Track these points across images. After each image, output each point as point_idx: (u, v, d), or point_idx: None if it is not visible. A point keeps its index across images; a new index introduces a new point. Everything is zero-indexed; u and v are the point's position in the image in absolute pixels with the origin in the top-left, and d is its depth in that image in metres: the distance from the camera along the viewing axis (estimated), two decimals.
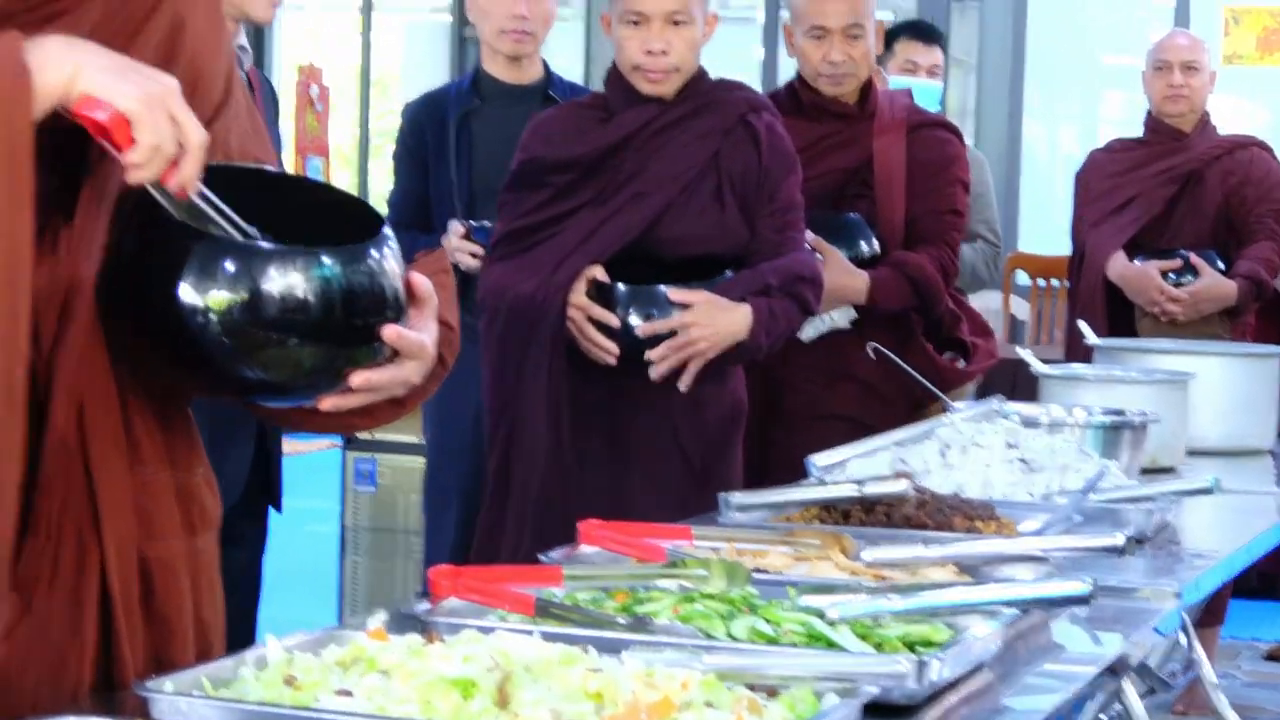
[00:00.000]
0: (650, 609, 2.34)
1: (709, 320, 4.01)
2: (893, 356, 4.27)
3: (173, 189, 2.05)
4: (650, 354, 4.01)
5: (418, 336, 2.24)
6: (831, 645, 2.22)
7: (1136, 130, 6.43)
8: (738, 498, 3.15)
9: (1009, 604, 2.39)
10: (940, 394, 4.07)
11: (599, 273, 4.08)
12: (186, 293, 2.09)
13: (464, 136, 5.17)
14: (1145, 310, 5.97)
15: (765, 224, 4.19)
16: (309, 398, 2.23)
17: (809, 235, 4.42)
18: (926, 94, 6.40)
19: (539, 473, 4.09)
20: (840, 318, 4.66)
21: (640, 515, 3.15)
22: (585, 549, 2.77)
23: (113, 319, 2.14)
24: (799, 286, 4.15)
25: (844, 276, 4.58)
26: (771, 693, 1.99)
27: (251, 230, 2.17)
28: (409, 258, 2.28)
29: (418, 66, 14.94)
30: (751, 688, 2.00)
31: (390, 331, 2.19)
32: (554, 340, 4.06)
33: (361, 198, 2.40)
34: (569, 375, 4.10)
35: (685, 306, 4.03)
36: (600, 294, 4.06)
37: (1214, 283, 5.91)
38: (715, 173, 4.18)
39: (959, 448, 3.48)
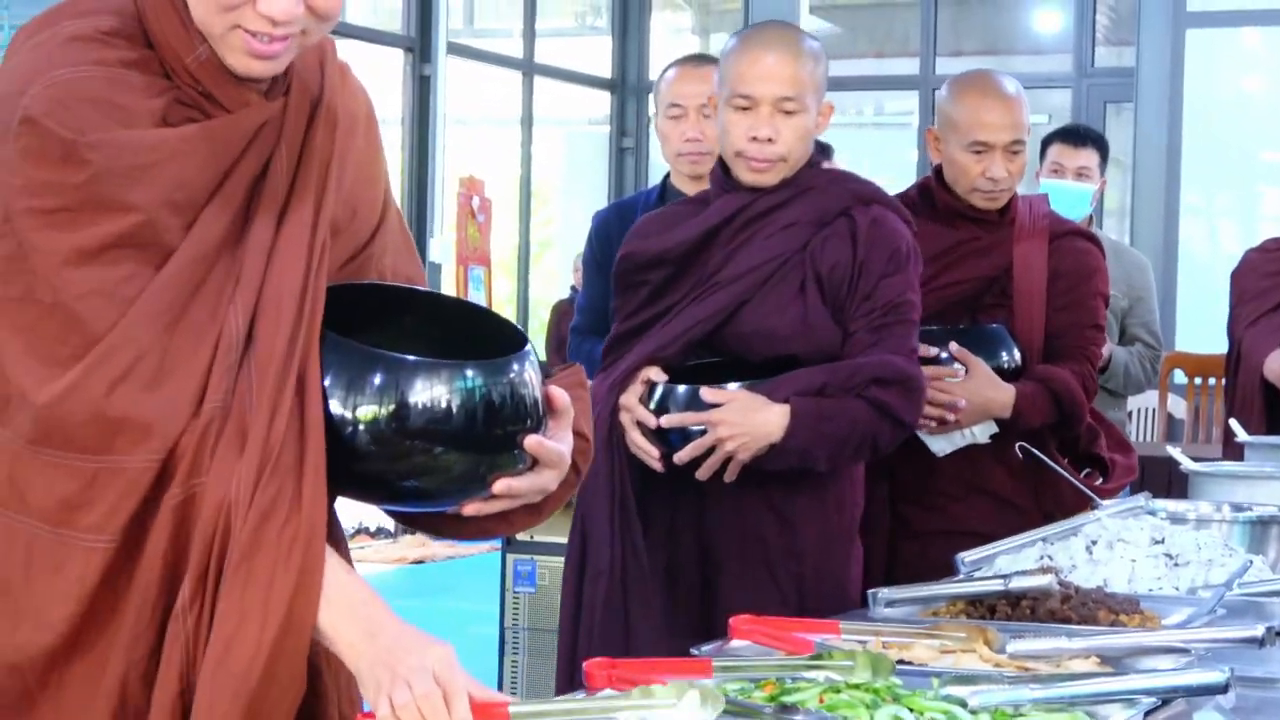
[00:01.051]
0: (797, 699, 2.43)
1: (738, 419, 3.72)
2: (1043, 458, 4.26)
3: None
4: (678, 456, 3.77)
5: (556, 446, 2.38)
6: None
7: None
8: (885, 593, 3.23)
9: (1147, 693, 2.46)
10: (1091, 493, 4.10)
11: (654, 372, 3.85)
12: (335, 404, 2.24)
13: None
14: None
15: (860, 323, 3.86)
16: (453, 503, 2.36)
17: (953, 346, 4.28)
18: (1070, 195, 6.46)
19: (604, 582, 3.84)
20: (981, 433, 4.40)
21: (720, 631, 2.98)
22: (736, 643, 2.87)
23: None
24: (873, 389, 3.78)
25: (990, 389, 4.36)
26: None
27: None
28: (589, 365, 2.45)
29: (577, 176, 15.18)
30: None
31: (532, 441, 2.33)
32: (610, 443, 3.82)
33: (504, 316, 2.50)
34: (634, 479, 3.86)
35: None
36: (653, 396, 3.83)
37: None
38: (803, 266, 3.88)
39: (1105, 543, 3.53)
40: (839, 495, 3.95)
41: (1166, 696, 2.52)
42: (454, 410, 2.24)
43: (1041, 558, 3.52)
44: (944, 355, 4.33)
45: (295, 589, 2.18)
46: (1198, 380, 8.95)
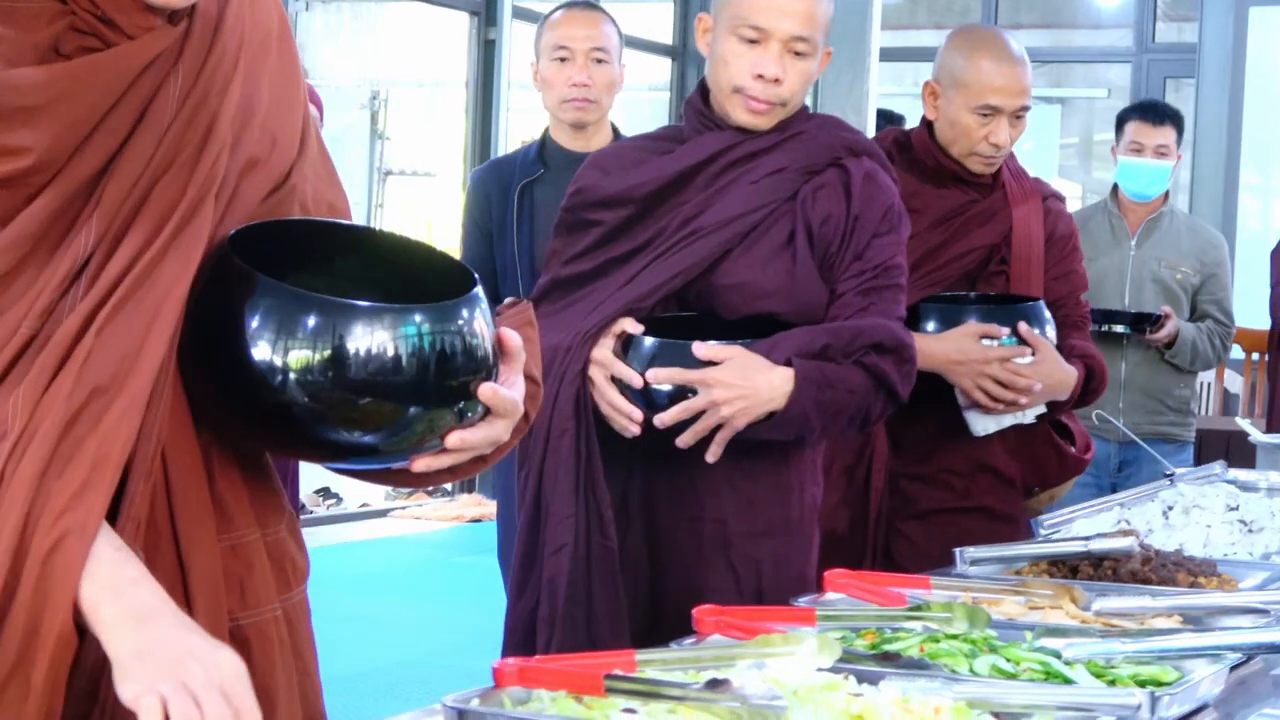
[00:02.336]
0: (898, 647, 2.55)
1: (737, 381, 3.30)
2: (1125, 429, 4.32)
3: None
4: (660, 417, 3.33)
5: (511, 394, 2.20)
6: (1068, 682, 2.42)
7: None
8: (971, 552, 3.34)
9: (1232, 649, 2.57)
10: (1164, 460, 4.21)
11: (630, 324, 3.43)
12: (263, 350, 2.05)
13: (525, 205, 5.01)
14: None
15: (849, 284, 3.50)
16: (402, 459, 2.18)
17: (1022, 327, 4.03)
18: (1149, 173, 6.52)
19: (567, 556, 3.41)
20: (1030, 414, 4.13)
21: (671, 625, 2.88)
22: (830, 595, 2.99)
23: (192, 382, 2.11)
24: (872, 356, 3.42)
25: (1059, 372, 4.11)
26: None
27: None
28: None
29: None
30: (996, 716, 2.20)
31: (486, 390, 2.15)
32: (579, 403, 3.41)
33: (447, 253, 2.32)
34: (600, 447, 3.45)
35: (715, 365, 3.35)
36: (631, 351, 3.41)
37: None
38: (791, 218, 3.50)
39: (1181, 509, 3.65)
40: (800, 476, 3.57)
41: (1250, 653, 2.63)
42: (402, 359, 2.06)
43: (1119, 522, 3.64)
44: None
45: (51, 548, 1.93)
46: (1255, 355, 9.03)
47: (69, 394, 1.97)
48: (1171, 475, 3.98)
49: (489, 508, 11.04)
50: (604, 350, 3.40)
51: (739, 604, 3.15)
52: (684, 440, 3.32)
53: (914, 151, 4.27)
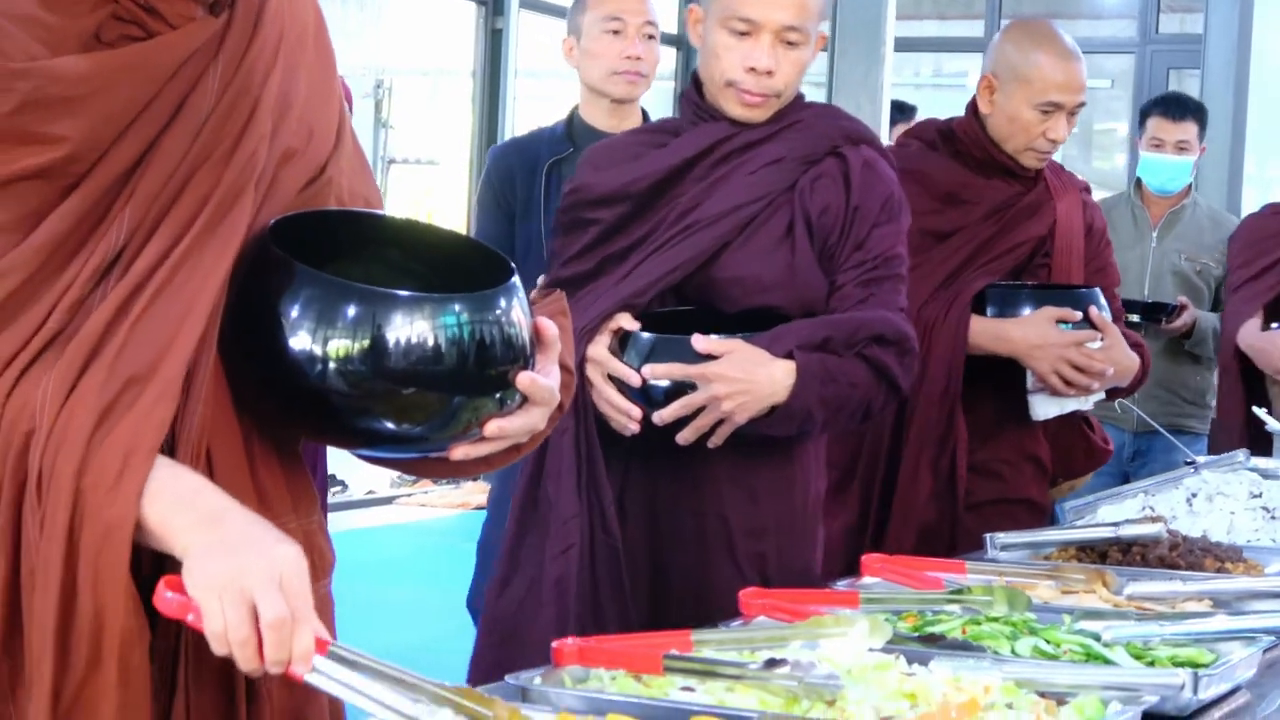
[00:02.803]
0: (942, 629, 2.61)
1: (739, 375, 3.24)
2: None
3: (270, 670, 1.95)
4: (660, 414, 3.27)
5: (548, 383, 2.21)
6: (1108, 663, 2.48)
7: None
8: (1001, 538, 3.41)
9: (1266, 632, 2.64)
10: (1187, 450, 4.28)
11: (626, 320, 3.35)
12: (303, 340, 2.06)
13: (553, 183, 4.86)
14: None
15: (849, 275, 3.43)
16: (440, 448, 2.19)
17: (1093, 312, 4.06)
18: (1170, 169, 6.50)
19: (575, 556, 3.34)
20: (1090, 399, 4.15)
21: (675, 623, 2.81)
22: (868, 579, 3.05)
23: (234, 369, 2.13)
24: (874, 349, 3.36)
25: (1127, 358, 4.14)
26: (1060, 701, 2.25)
27: None
28: None
29: None
30: (1042, 695, 2.26)
31: (525, 379, 2.16)
32: (578, 401, 3.29)
33: (484, 243, 2.34)
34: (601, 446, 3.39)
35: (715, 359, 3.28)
36: (628, 348, 3.34)
37: None
38: (790, 208, 3.44)
39: (1205, 496, 3.72)
40: (804, 469, 3.51)
41: None
42: (443, 349, 2.07)
43: (1144, 509, 3.70)
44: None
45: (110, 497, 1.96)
46: None
47: (102, 385, 1.98)
48: (1194, 463, 4.04)
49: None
50: (599, 348, 3.33)
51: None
52: (684, 437, 3.26)
53: (960, 143, 4.26)
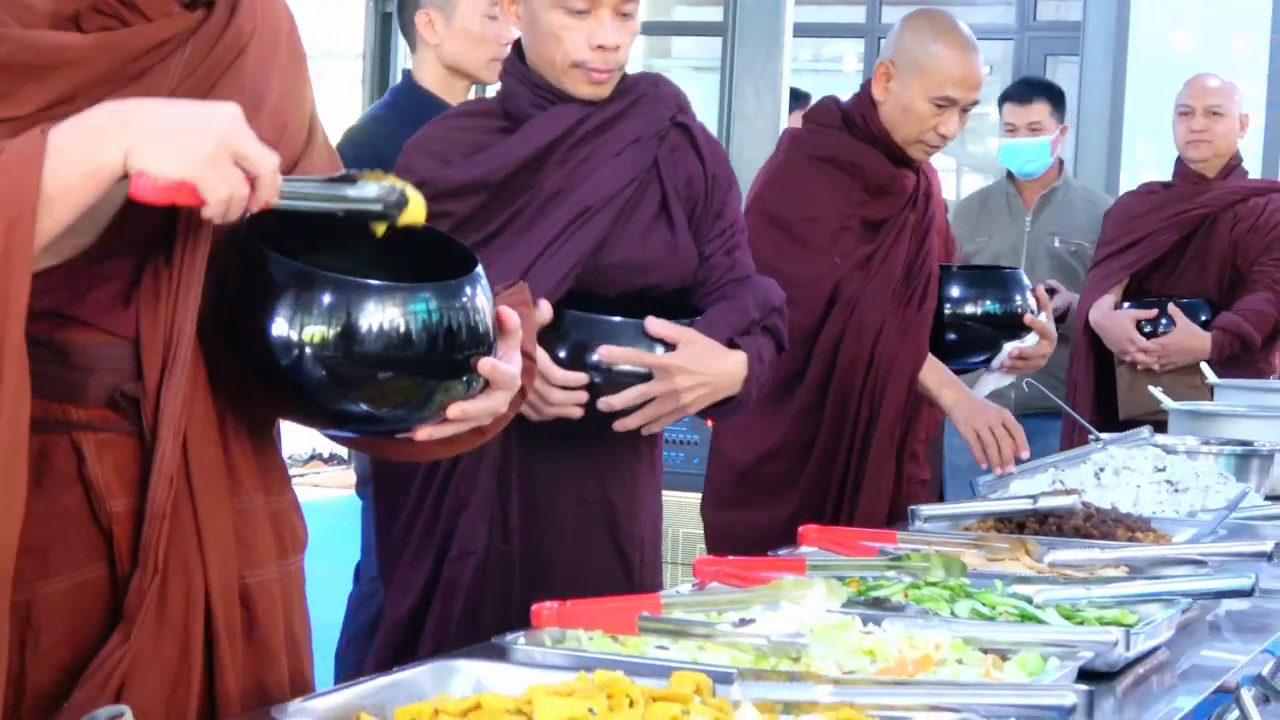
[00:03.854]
0: (885, 593, 2.79)
1: (701, 367, 3.25)
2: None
3: (255, 210, 2.09)
4: (610, 400, 3.21)
5: (509, 368, 2.35)
6: (1041, 624, 2.66)
7: None
8: (926, 509, 3.59)
9: (1184, 594, 2.83)
10: (1090, 427, 4.49)
11: (546, 308, 3.18)
12: (280, 326, 2.17)
13: None
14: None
15: (714, 245, 3.43)
16: (405, 428, 2.31)
17: (1030, 319, 4.42)
18: (1026, 152, 6.63)
19: (472, 564, 3.31)
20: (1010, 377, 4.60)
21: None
22: (805, 549, 3.22)
23: (212, 351, 2.23)
24: (774, 319, 3.42)
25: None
26: (1004, 657, 2.43)
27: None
28: None
29: None
30: (986, 652, 2.44)
31: (485, 364, 2.29)
32: None
33: (447, 234, 2.44)
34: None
35: (669, 347, 3.26)
36: (551, 331, 3.23)
37: (1186, 336, 5.78)
38: (658, 184, 3.41)
39: (1112, 470, 3.93)
40: (657, 448, 3.53)
41: (1197, 598, 2.90)
42: (410, 335, 2.19)
43: (1054, 482, 3.90)
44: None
45: None
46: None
47: None
48: (1100, 439, 4.25)
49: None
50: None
51: (626, 588, 3.28)
52: (628, 424, 3.24)
53: (858, 129, 4.33)
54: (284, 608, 2.37)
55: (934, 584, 2.81)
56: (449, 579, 3.31)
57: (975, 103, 4.28)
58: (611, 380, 3.22)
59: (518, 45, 3.43)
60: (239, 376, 2.25)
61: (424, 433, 2.32)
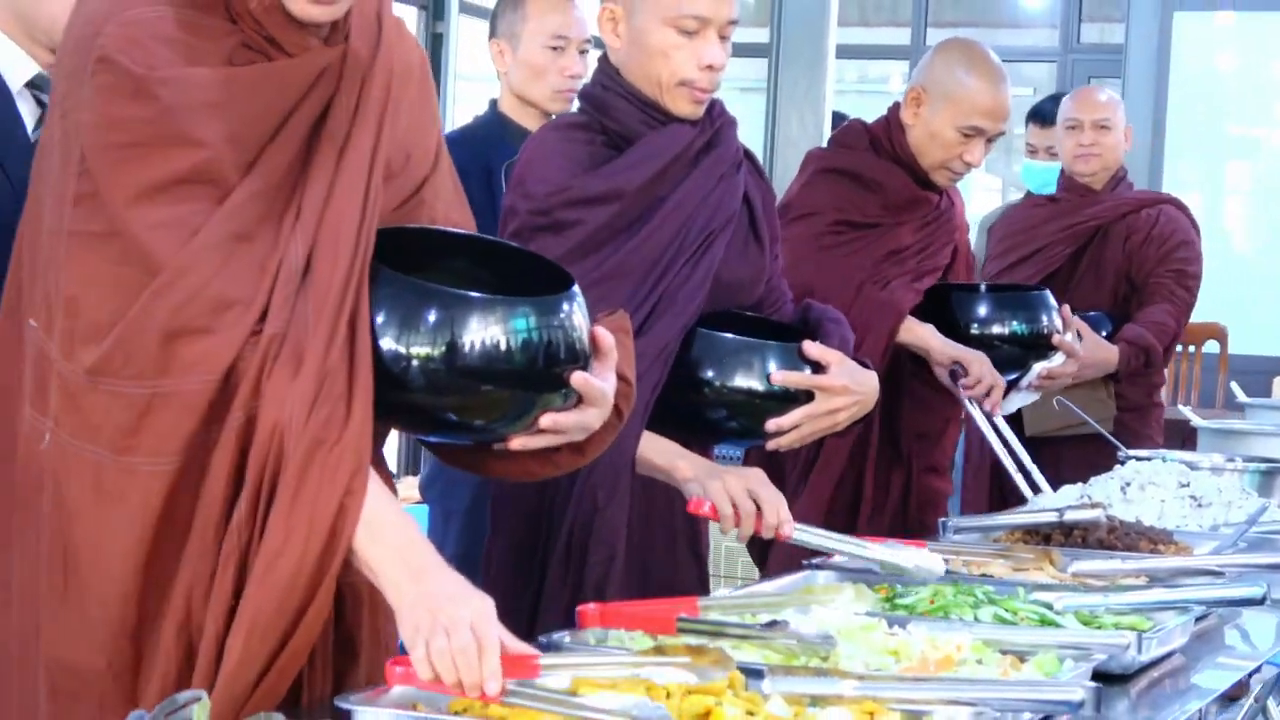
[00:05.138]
0: (911, 601, 2.94)
1: (856, 386, 3.36)
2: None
3: (469, 692, 2.19)
4: (779, 421, 3.31)
5: (601, 384, 2.45)
6: (1061, 628, 2.80)
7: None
8: (955, 521, 3.73)
9: (1197, 603, 2.97)
10: (1118, 444, 4.63)
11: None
12: (389, 340, 2.31)
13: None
14: None
15: (774, 267, 3.57)
16: (499, 436, 2.43)
17: (1059, 340, 4.58)
18: (1044, 174, 6.55)
19: (616, 564, 3.25)
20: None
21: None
22: (838, 558, 3.36)
23: None
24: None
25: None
26: (1022, 658, 2.57)
27: None
28: None
29: None
30: (1005, 654, 2.58)
31: (578, 377, 2.40)
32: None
33: (539, 254, 2.59)
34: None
35: (819, 367, 3.34)
36: (693, 350, 3.31)
37: (1095, 349, 5.40)
38: (747, 206, 3.50)
39: (1138, 485, 4.06)
40: None
41: (1211, 607, 3.03)
42: (507, 347, 2.30)
43: (1082, 496, 4.04)
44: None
45: (338, 510, 2.24)
46: (1178, 348, 9.44)
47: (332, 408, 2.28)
48: (1127, 455, 4.39)
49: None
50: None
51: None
52: (786, 443, 3.34)
53: (884, 149, 4.42)
54: (372, 607, 2.49)
55: (961, 590, 2.95)
56: (592, 580, 3.23)
57: (1002, 133, 4.37)
58: (750, 399, 3.29)
59: (607, 63, 3.45)
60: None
61: (517, 442, 2.44)
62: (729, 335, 3.31)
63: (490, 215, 4.78)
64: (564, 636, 2.58)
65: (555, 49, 4.85)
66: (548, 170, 3.37)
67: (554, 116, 4.86)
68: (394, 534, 2.29)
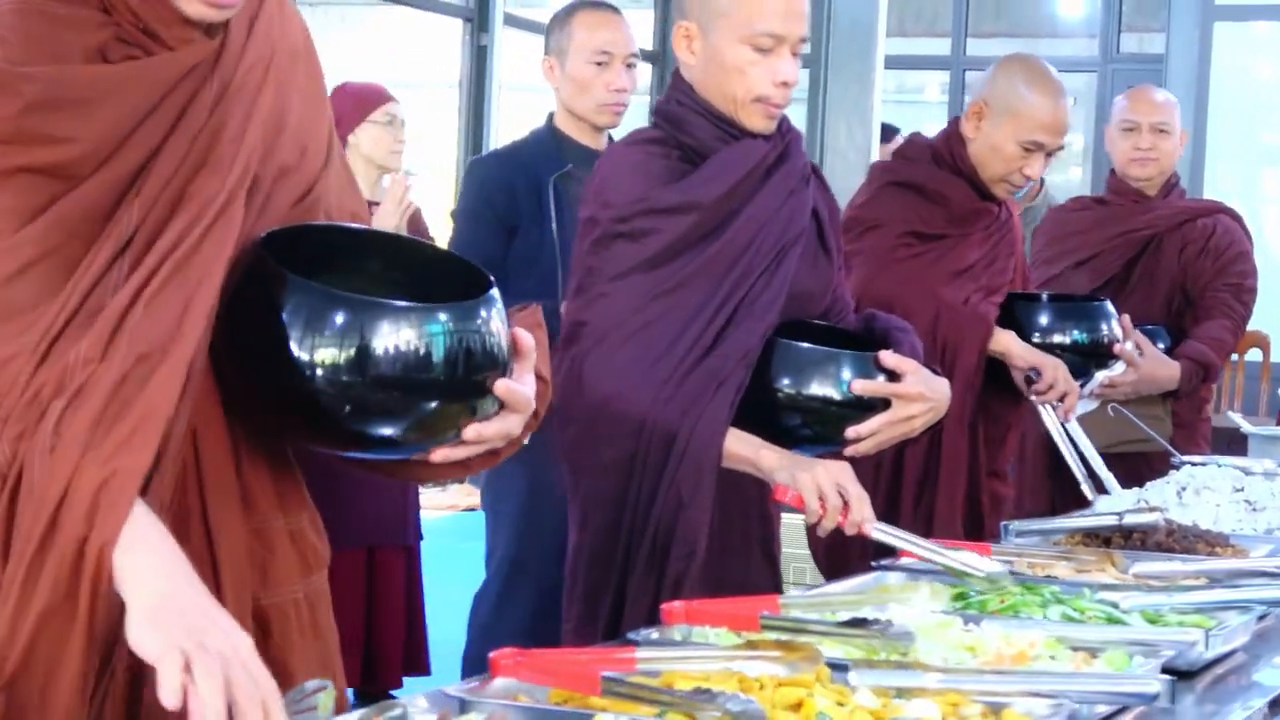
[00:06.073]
0: (982, 600, 3.03)
1: (930, 393, 3.43)
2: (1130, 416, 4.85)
3: None
4: (857, 429, 3.39)
5: (525, 391, 2.31)
6: (1128, 626, 2.90)
7: None
8: (1017, 525, 3.83)
9: (1258, 603, 3.06)
10: (1165, 443, 4.72)
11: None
12: (295, 349, 2.16)
13: (562, 199, 5.01)
14: None
15: (839, 277, 3.65)
16: (422, 450, 2.30)
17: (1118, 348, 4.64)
18: None
19: (694, 563, 3.29)
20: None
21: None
22: (905, 560, 3.45)
23: (225, 371, 2.23)
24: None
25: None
26: (1092, 654, 2.67)
27: None
28: None
29: None
30: (1075, 650, 2.67)
31: (502, 386, 2.27)
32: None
33: (459, 255, 2.45)
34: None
35: (893, 375, 3.42)
36: (771, 359, 3.39)
37: (1155, 366, 5.32)
38: (815, 218, 3.57)
39: (1193, 490, 4.16)
40: None
41: (1273, 607, 3.13)
42: (429, 356, 2.18)
43: (1138, 501, 4.13)
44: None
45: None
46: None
47: (121, 358, 2.12)
48: (1179, 462, 4.49)
49: (477, 497, 11.51)
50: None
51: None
52: (860, 450, 3.40)
53: (945, 163, 4.52)
54: (313, 623, 2.41)
55: (1031, 589, 3.05)
56: (672, 576, 3.28)
57: (1061, 148, 4.47)
58: (827, 406, 3.38)
59: (681, 80, 3.51)
60: (252, 400, 2.27)
61: (440, 455, 2.31)
62: (807, 345, 3.39)
63: (540, 226, 4.99)
64: (651, 633, 2.68)
65: (600, 64, 5.00)
66: (627, 182, 3.44)
67: (604, 130, 5.10)
68: (144, 526, 2.08)
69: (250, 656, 2.00)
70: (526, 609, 5.03)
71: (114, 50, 2.23)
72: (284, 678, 2.27)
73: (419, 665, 6.32)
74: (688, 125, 3.47)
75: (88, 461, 2.06)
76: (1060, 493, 4.93)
